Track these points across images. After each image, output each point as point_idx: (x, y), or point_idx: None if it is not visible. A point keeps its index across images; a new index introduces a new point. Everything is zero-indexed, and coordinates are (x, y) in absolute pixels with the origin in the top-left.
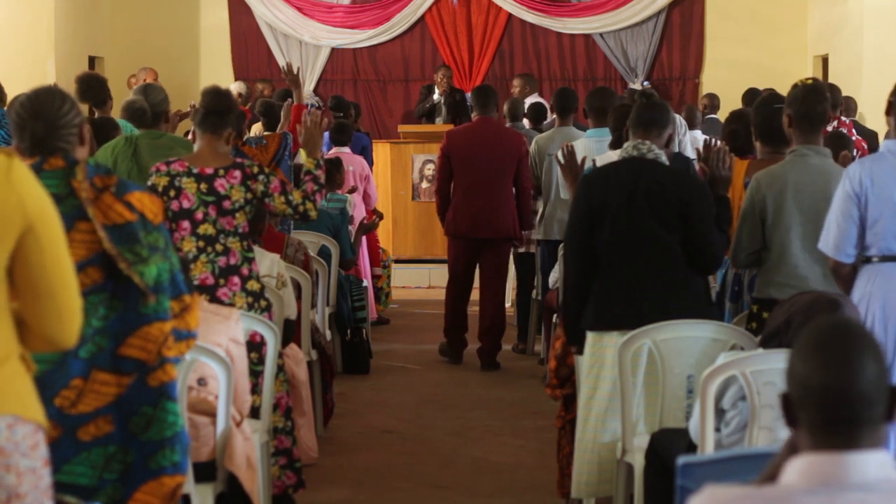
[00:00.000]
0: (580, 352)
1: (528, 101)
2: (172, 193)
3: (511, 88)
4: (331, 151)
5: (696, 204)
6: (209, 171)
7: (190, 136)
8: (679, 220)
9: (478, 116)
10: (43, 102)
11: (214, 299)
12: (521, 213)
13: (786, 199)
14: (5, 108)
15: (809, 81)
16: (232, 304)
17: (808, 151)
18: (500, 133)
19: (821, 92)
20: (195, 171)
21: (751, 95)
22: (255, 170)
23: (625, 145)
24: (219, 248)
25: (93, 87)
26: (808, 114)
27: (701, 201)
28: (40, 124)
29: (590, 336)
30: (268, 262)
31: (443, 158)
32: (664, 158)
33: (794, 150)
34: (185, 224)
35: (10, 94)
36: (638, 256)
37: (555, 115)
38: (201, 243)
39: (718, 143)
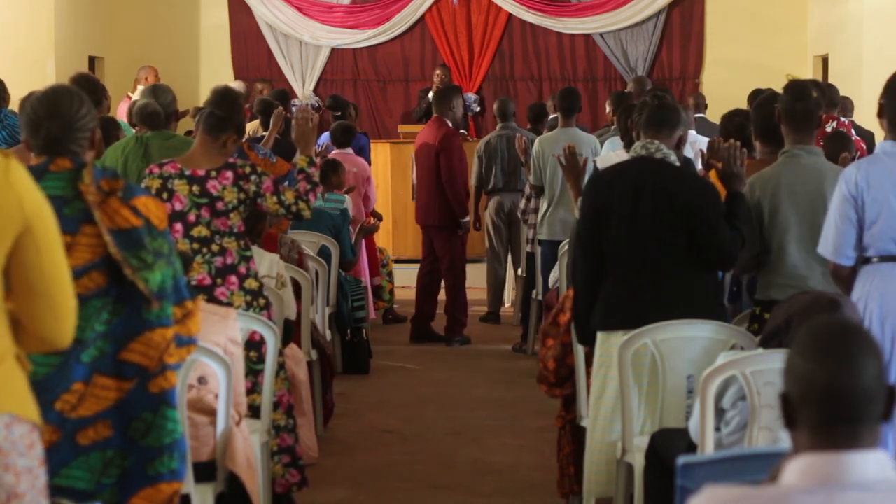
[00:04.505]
0: (592, 352)
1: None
2: (165, 196)
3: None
4: (332, 153)
5: (702, 204)
6: (201, 172)
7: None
8: (685, 221)
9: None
10: (60, 102)
11: (212, 299)
12: (450, 202)
13: (780, 201)
14: (8, 108)
15: (794, 78)
16: (230, 304)
17: (800, 151)
18: (431, 131)
19: (800, 90)
20: (187, 172)
21: (756, 97)
22: (248, 170)
23: (634, 145)
24: (214, 248)
25: (86, 87)
26: (791, 112)
27: (706, 201)
28: (56, 124)
29: (599, 336)
30: (267, 263)
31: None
32: (673, 158)
33: (785, 151)
34: (178, 226)
35: (11, 95)
36: (644, 257)
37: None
38: (196, 245)
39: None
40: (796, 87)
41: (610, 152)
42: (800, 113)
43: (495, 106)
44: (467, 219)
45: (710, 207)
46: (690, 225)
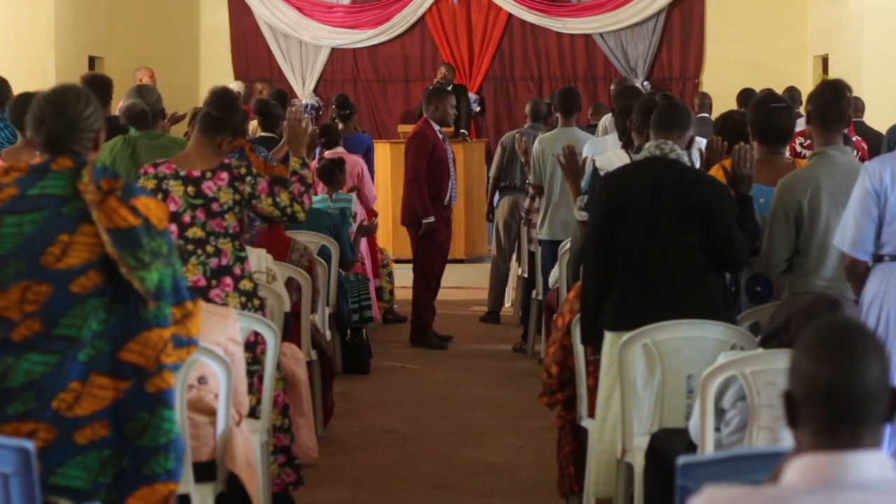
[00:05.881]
0: (596, 352)
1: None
2: (160, 197)
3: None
4: (326, 154)
5: (718, 205)
6: (196, 173)
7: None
8: (700, 221)
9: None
10: (66, 102)
11: (207, 300)
12: (413, 201)
13: (821, 202)
14: (7, 110)
15: (829, 79)
16: (225, 305)
17: (833, 151)
18: (412, 129)
19: (836, 90)
20: (182, 173)
21: (745, 96)
22: (243, 171)
23: (647, 145)
24: (209, 249)
25: (99, 88)
26: (824, 112)
27: (722, 202)
28: (60, 123)
29: (609, 336)
30: (255, 259)
31: None
32: (686, 159)
33: (818, 151)
34: (172, 227)
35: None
36: (659, 257)
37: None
38: (190, 246)
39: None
40: (832, 89)
41: (609, 152)
42: (834, 114)
43: (528, 106)
44: (430, 219)
45: (725, 209)
46: (706, 226)
